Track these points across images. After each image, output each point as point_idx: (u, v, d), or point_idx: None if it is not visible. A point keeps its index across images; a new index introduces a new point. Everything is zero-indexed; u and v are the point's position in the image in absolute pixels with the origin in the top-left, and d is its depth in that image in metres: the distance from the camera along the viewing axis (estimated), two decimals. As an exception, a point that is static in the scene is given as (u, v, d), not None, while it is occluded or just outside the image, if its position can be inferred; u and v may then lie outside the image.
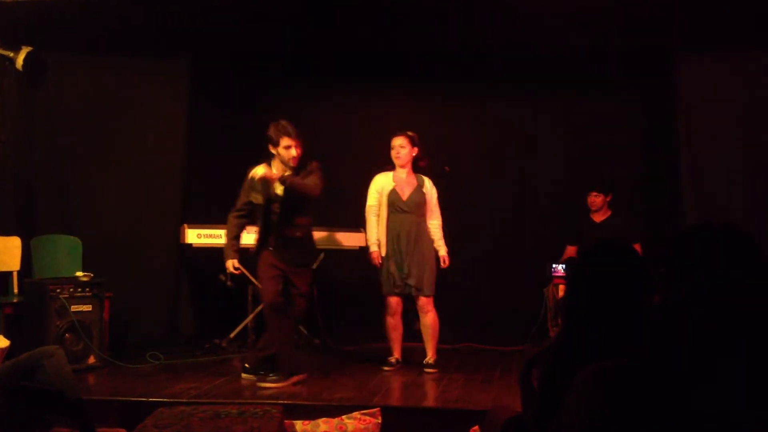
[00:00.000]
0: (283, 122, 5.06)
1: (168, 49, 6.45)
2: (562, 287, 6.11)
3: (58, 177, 6.38)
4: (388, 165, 5.63)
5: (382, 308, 5.55)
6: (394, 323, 5.56)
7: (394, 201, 5.52)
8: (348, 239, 6.61)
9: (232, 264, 5.20)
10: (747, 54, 6.24)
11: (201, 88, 6.70)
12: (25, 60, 5.92)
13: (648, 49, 6.49)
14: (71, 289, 5.52)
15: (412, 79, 7.11)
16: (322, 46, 6.59)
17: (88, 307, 5.55)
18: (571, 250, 6.57)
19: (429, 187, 5.63)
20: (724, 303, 1.46)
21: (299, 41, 6.50)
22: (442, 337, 5.65)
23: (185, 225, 6.42)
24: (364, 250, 6.43)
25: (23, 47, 5.92)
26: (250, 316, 6.61)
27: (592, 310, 2.09)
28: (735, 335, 1.43)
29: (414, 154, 5.57)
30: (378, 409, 4.13)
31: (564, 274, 6.23)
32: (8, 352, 4.36)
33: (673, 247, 1.66)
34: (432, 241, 5.56)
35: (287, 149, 5.03)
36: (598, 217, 6.57)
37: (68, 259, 5.99)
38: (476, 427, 3.75)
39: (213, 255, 6.55)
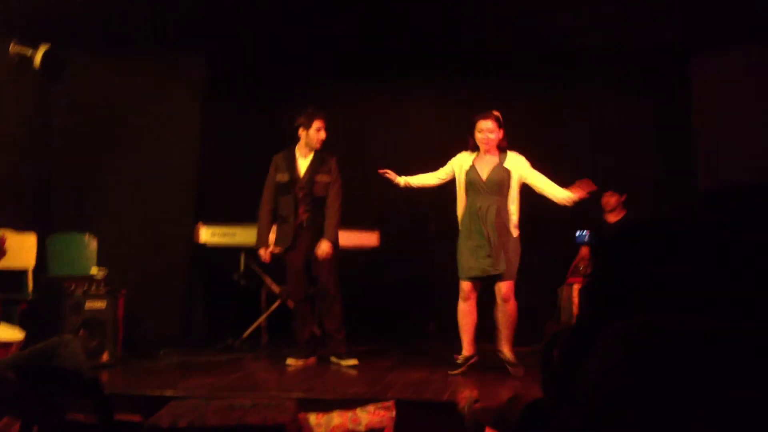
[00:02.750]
0: (313, 107, 5.48)
1: (183, 49, 6.48)
2: (576, 287, 6.07)
3: (74, 175, 6.40)
4: (462, 146, 5.34)
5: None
6: (466, 309, 5.19)
7: (473, 180, 5.20)
8: (360, 239, 6.60)
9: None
10: (763, 52, 6.21)
11: (216, 86, 6.73)
12: (43, 57, 5.94)
13: (663, 48, 6.48)
14: (86, 286, 5.52)
15: (429, 78, 7.06)
16: (338, 44, 6.60)
17: (102, 304, 5.55)
18: (584, 251, 6.53)
19: (513, 159, 5.22)
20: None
21: (314, 40, 6.51)
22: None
23: (200, 223, 6.42)
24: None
25: (41, 45, 5.94)
26: (263, 316, 6.60)
27: (619, 289, 2.06)
28: None
29: (501, 137, 5.23)
30: (392, 402, 4.10)
31: (588, 240, 6.27)
32: (23, 347, 4.37)
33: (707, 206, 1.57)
34: (512, 224, 5.20)
35: (318, 131, 5.45)
36: (612, 218, 6.53)
37: (83, 256, 5.99)
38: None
39: (227, 254, 6.58)
